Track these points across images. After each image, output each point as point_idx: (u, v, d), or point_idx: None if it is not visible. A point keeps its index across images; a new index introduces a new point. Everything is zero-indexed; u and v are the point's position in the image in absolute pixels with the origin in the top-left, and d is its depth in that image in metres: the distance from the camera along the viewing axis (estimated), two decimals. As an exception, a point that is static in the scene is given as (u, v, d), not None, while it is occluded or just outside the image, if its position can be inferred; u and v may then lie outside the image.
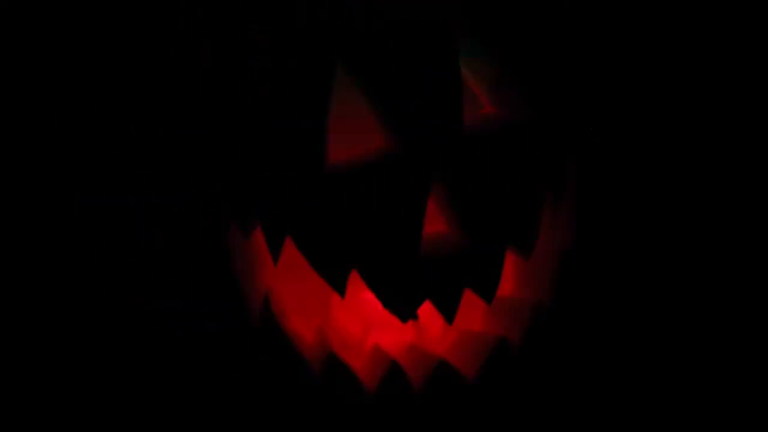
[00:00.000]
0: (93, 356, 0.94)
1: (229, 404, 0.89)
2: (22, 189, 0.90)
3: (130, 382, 0.92)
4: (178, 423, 0.91)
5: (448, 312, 0.86)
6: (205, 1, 0.83)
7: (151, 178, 0.85)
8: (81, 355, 0.93)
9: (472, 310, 0.91)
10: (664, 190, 1.03)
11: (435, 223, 0.87)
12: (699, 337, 0.99)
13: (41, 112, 0.88)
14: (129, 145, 0.85)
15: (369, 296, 0.92)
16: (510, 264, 0.91)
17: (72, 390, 0.92)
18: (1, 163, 0.90)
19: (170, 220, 0.85)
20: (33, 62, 0.88)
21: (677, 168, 1.02)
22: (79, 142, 0.88)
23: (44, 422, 0.89)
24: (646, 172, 1.02)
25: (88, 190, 0.88)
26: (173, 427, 0.91)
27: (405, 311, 0.85)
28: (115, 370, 0.93)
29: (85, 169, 0.87)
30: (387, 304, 0.85)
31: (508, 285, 0.93)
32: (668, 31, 1.00)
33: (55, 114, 0.87)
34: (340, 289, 0.84)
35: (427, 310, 0.89)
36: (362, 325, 0.93)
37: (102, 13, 0.86)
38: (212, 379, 0.89)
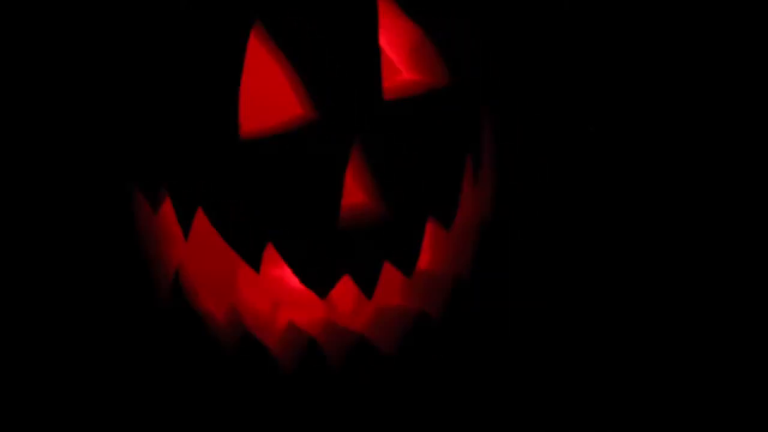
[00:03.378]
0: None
1: (138, 387, 0.86)
2: None
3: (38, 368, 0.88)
4: (90, 408, 0.88)
5: (368, 286, 0.84)
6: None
7: (50, 148, 0.80)
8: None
9: (389, 284, 0.89)
10: (582, 164, 1.03)
11: (353, 194, 0.85)
12: (615, 306, 1.00)
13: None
14: (28, 115, 0.81)
15: (279, 272, 0.90)
16: (429, 236, 0.89)
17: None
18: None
19: (70, 192, 0.80)
20: None
21: (593, 142, 1.03)
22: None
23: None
24: (563, 144, 1.02)
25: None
26: (84, 412, 0.87)
27: (323, 287, 0.83)
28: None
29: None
30: (305, 279, 0.83)
31: (425, 258, 0.91)
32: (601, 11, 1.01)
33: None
34: (255, 264, 0.82)
35: (339, 284, 0.85)
36: (272, 302, 0.91)
37: None
38: (120, 361, 0.85)
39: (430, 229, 0.88)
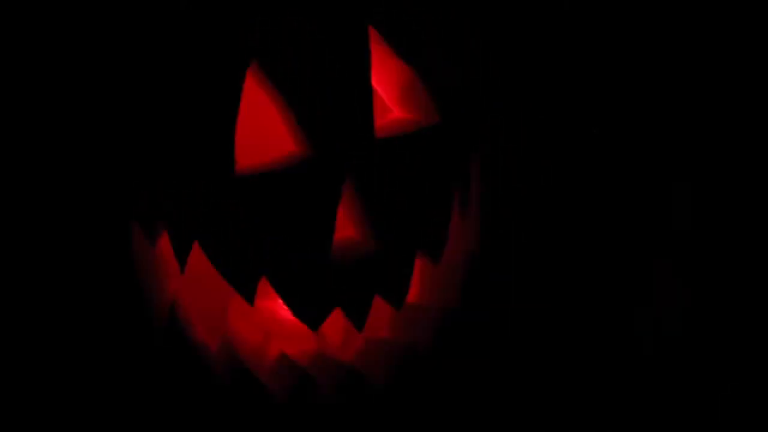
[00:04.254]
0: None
1: (132, 414, 0.86)
2: None
3: (32, 395, 0.89)
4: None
5: (358, 319, 0.85)
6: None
7: (51, 179, 0.82)
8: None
9: (379, 316, 0.90)
10: (585, 166, 1.03)
11: (345, 229, 0.86)
12: (607, 334, 1.01)
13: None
14: (30, 144, 0.82)
15: (270, 304, 0.92)
16: (418, 270, 0.91)
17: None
18: None
19: (70, 224, 0.82)
20: None
21: (597, 145, 1.03)
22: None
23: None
24: (567, 146, 1.02)
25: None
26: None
27: (315, 319, 0.85)
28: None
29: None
30: (297, 312, 0.84)
31: (414, 291, 0.92)
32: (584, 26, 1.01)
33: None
34: (249, 297, 0.83)
35: (330, 317, 0.86)
36: (264, 334, 0.92)
37: None
38: (115, 390, 0.86)
39: (419, 263, 0.90)
